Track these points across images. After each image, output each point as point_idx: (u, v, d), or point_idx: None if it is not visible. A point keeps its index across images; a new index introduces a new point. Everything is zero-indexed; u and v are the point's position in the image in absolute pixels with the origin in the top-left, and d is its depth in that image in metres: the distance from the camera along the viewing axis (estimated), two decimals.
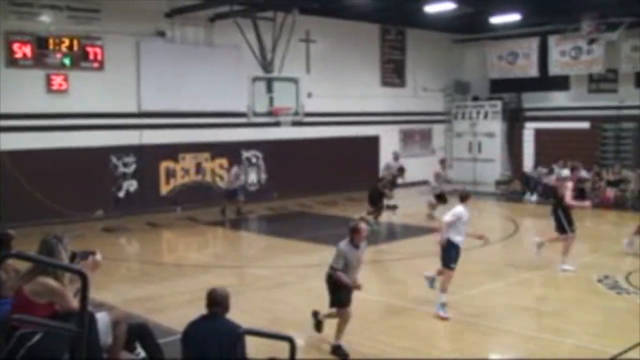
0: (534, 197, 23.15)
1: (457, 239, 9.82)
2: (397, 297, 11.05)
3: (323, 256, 10.15)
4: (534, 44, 26.75)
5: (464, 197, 10.10)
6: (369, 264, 13.01)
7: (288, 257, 14.31)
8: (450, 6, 20.58)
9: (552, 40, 26.04)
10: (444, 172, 19.78)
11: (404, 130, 27.17)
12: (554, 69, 26.24)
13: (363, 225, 8.32)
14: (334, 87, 23.80)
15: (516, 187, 25.21)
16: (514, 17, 23.32)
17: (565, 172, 15.35)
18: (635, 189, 21.28)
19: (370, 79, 25.95)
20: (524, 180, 24.80)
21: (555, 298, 10.95)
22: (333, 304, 8.30)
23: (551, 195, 14.50)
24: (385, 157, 23.72)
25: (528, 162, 26.42)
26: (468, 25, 26.37)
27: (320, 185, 18.63)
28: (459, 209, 9.88)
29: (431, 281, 10.20)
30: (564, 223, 12.58)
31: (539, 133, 27.07)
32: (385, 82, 26.54)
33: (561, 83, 26.73)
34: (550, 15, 23.72)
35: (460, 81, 29.01)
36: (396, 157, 20.59)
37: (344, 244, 8.22)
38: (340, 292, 8.19)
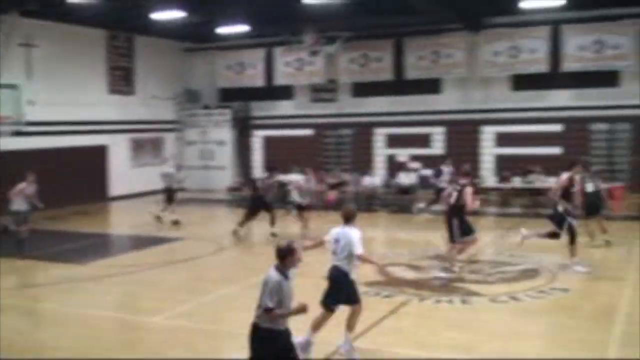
0: None
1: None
2: (127, 310, 10.80)
3: (53, 275, 9.55)
4: (260, 54, 27.83)
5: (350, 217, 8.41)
6: (96, 280, 12.59)
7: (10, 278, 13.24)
8: (178, 14, 20.61)
9: (277, 51, 27.29)
10: None
11: (135, 139, 26.60)
12: (280, 79, 27.52)
13: (297, 244, 6.62)
14: (59, 94, 22.57)
15: (246, 192, 25.91)
16: (242, 28, 24.03)
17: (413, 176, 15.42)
18: (352, 191, 23.00)
19: (98, 86, 25.04)
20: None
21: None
22: None
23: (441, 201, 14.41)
24: (116, 168, 23.03)
25: (257, 169, 27.35)
26: (197, 34, 26.66)
27: (45, 199, 17.51)
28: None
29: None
30: (455, 230, 12.43)
31: (267, 140, 28.21)
32: (114, 90, 25.77)
33: (286, 92, 28.12)
34: (275, 27, 24.82)
35: (190, 90, 29.18)
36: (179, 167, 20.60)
37: (275, 274, 6.35)
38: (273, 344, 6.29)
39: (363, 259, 8.24)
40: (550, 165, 20.70)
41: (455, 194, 12.62)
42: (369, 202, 22.35)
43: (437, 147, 25.58)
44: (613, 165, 23.14)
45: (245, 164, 28.40)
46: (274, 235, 16.48)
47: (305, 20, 23.27)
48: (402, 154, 26.01)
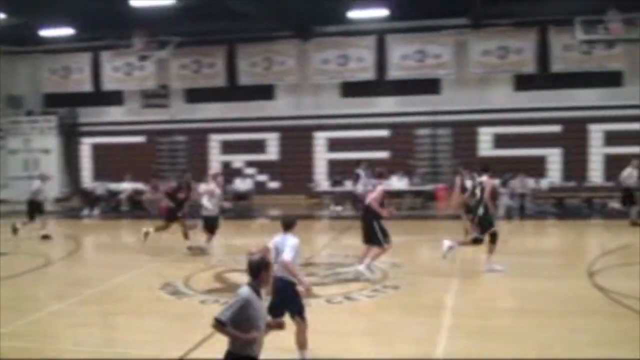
0: (96, 212, 23.17)
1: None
2: None
3: None
4: (87, 58, 26.76)
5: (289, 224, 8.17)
6: None
7: None
8: None
9: (105, 55, 26.35)
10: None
11: None
12: (108, 84, 26.62)
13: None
14: None
15: (76, 203, 24.85)
16: (66, 31, 22.96)
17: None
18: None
19: None
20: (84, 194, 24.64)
21: (118, 311, 10.98)
22: None
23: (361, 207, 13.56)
24: None
25: (87, 177, 26.25)
26: (19, 36, 25.09)
27: None
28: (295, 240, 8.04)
29: None
30: (379, 234, 12.09)
31: (97, 148, 27.14)
32: None
33: (116, 98, 27.23)
34: (103, 31, 23.95)
35: (12, 95, 27.41)
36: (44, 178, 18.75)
37: (247, 291, 5.70)
38: None
39: (287, 268, 7.79)
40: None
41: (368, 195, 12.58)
42: None
43: (272, 152, 25.89)
44: (436, 168, 24.57)
45: (74, 173, 27.15)
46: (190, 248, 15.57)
47: (135, 24, 22.69)
48: (238, 160, 26.04)
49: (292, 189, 25.25)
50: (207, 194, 15.14)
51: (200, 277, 12.87)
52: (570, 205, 21.30)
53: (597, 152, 23.57)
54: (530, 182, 21.53)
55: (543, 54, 23.86)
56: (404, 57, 24.59)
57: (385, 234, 12.09)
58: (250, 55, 25.72)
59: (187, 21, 22.42)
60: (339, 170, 24.27)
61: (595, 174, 23.27)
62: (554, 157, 23.82)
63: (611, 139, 23.45)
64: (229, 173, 25.43)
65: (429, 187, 23.43)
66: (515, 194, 20.95)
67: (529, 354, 8.08)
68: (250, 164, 25.85)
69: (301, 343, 7.87)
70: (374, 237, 12.09)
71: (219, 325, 5.55)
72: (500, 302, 10.96)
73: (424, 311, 10.41)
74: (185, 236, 15.64)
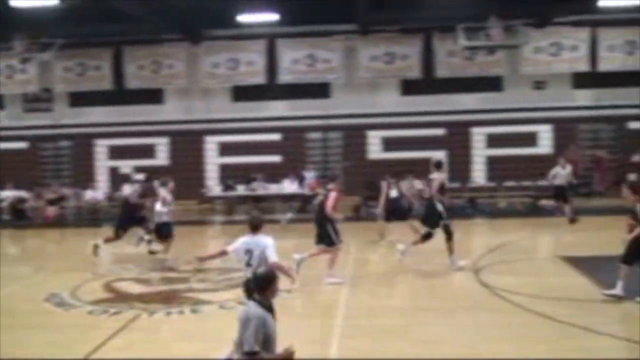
0: None
1: None
2: None
3: None
4: None
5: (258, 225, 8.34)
6: None
7: None
8: None
9: None
10: None
11: None
12: None
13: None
14: None
15: None
16: None
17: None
18: (74, 206, 21.93)
19: None
20: None
21: (1, 326, 10.49)
22: None
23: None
24: None
25: None
26: None
27: None
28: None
29: None
30: (332, 235, 12.05)
31: None
32: None
33: None
34: None
35: None
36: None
37: (256, 308, 5.36)
38: None
39: (278, 268, 7.68)
40: (272, 173, 21.69)
41: (320, 199, 12.51)
42: (92, 217, 21.46)
43: (162, 157, 25.42)
44: (328, 171, 24.83)
45: None
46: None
47: (15, 25, 21.68)
48: (126, 166, 25.38)
49: (183, 194, 24.75)
50: (161, 201, 14.37)
51: (88, 287, 12.45)
52: (456, 206, 22.05)
53: (479, 154, 24.60)
54: (418, 184, 22.13)
55: (428, 60, 24.66)
56: (295, 61, 24.76)
57: (338, 235, 12.15)
58: (138, 58, 25.15)
59: (71, 22, 21.62)
60: (231, 175, 24.13)
61: (479, 174, 24.29)
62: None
63: (492, 141, 24.55)
64: (117, 179, 24.80)
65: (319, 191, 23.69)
66: (404, 196, 21.47)
67: (419, 351, 8.31)
68: (139, 169, 25.24)
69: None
70: (327, 237, 12.08)
71: (255, 356, 5.08)
72: (391, 301, 11.20)
73: (317, 313, 10.52)
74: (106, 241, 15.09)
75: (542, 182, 22.10)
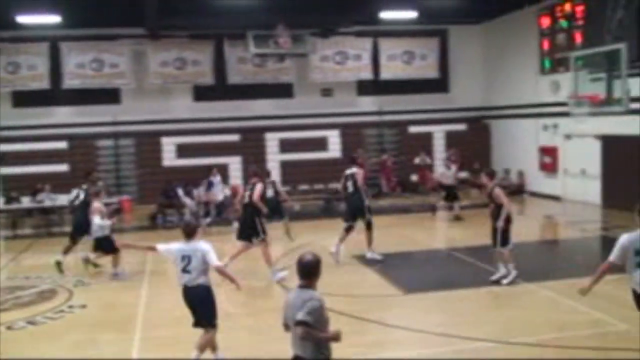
0: None
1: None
2: None
3: None
4: None
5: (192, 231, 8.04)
6: None
7: None
8: None
9: None
10: None
11: None
12: None
13: None
14: None
15: None
16: None
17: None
18: None
19: None
20: None
21: None
22: None
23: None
24: None
25: None
26: None
27: None
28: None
29: None
30: (259, 228, 12.53)
31: None
32: None
33: None
34: None
35: None
36: None
37: (311, 293, 5.45)
38: None
39: (221, 271, 8.06)
40: (60, 183, 20.53)
41: (248, 193, 12.76)
42: None
43: None
44: (120, 180, 24.10)
45: None
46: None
47: None
48: None
49: None
50: (99, 213, 13.13)
51: None
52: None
53: (273, 159, 25.11)
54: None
55: (220, 66, 24.77)
56: (80, 65, 23.67)
57: (264, 229, 12.67)
58: None
59: None
60: (14, 186, 22.47)
61: (274, 179, 24.72)
62: (235, 165, 24.85)
63: (286, 146, 25.21)
64: None
65: (113, 200, 22.84)
66: (200, 202, 21.40)
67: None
68: None
69: (208, 347, 8.10)
70: (255, 231, 12.58)
71: (306, 326, 5.24)
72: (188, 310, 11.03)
73: (115, 327, 10.14)
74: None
75: (333, 185, 23.19)
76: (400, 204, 22.97)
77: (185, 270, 7.86)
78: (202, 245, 7.91)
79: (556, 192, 21.84)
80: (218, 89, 24.99)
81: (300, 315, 5.27)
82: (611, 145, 19.69)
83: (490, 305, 10.45)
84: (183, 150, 24.56)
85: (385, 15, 22.50)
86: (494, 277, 11.53)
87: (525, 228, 16.38)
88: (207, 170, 21.17)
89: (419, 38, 26.28)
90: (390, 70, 26.13)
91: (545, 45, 22.90)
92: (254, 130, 25.21)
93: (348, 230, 14.01)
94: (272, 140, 25.34)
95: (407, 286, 11.73)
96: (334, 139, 25.83)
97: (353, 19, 23.27)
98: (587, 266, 13.20)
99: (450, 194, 19.46)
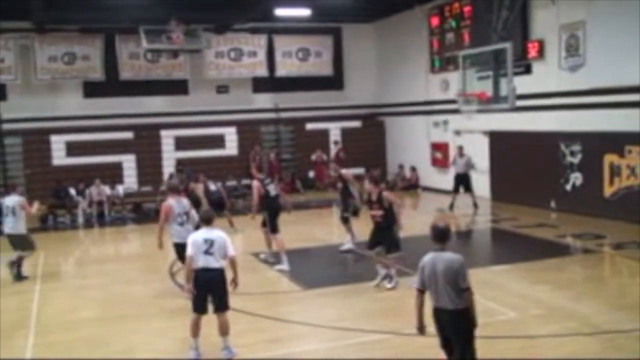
0: None
1: None
2: None
3: None
4: None
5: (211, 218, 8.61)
6: None
7: None
8: None
9: None
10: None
11: None
12: None
13: None
14: None
15: None
16: None
17: None
18: None
19: None
20: None
21: None
22: None
23: None
24: None
25: None
26: None
27: None
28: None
29: None
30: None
31: None
32: None
33: None
34: None
35: None
36: None
37: (452, 254, 6.46)
38: None
39: (234, 262, 8.41)
40: None
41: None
42: None
43: None
44: (7, 180, 23.05)
45: None
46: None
47: None
48: None
49: None
50: (20, 207, 12.72)
51: None
52: (148, 209, 21.91)
53: (169, 157, 24.69)
54: (107, 189, 21.59)
55: (111, 62, 24.12)
56: None
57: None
58: None
59: None
60: None
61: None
62: (129, 164, 24.27)
63: (182, 143, 24.84)
64: None
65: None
66: (93, 202, 20.81)
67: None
68: None
69: (227, 331, 8.22)
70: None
71: (470, 292, 6.25)
72: (83, 312, 10.72)
73: (6, 334, 9.70)
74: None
75: (230, 182, 23.10)
76: (298, 200, 23.13)
77: (207, 252, 8.09)
78: (223, 234, 8.36)
79: (448, 187, 22.60)
80: (109, 85, 24.33)
81: (464, 284, 6.23)
82: (498, 140, 20.62)
83: (388, 298, 10.72)
84: (74, 149, 23.73)
85: (280, 12, 22.58)
86: (375, 283, 11.22)
87: (419, 222, 16.84)
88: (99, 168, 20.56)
89: (313, 35, 26.55)
90: (286, 68, 26.27)
91: (435, 44, 23.67)
92: (148, 128, 24.71)
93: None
94: (167, 138, 24.89)
95: (306, 282, 11.85)
96: (230, 136, 25.68)
97: (247, 16, 23.21)
98: (478, 257, 13.93)
99: (462, 182, 19.71)
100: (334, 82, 27.29)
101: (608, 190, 16.80)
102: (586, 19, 17.05)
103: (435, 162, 24.12)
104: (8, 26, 22.46)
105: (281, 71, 26.17)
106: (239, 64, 25.57)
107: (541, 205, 18.70)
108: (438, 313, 6.37)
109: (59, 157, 23.68)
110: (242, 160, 24.72)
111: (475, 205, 19.24)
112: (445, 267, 6.26)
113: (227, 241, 8.26)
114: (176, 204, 11.08)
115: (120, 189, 22.91)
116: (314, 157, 25.83)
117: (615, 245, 14.00)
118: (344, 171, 14.54)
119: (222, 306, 8.18)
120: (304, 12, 22.80)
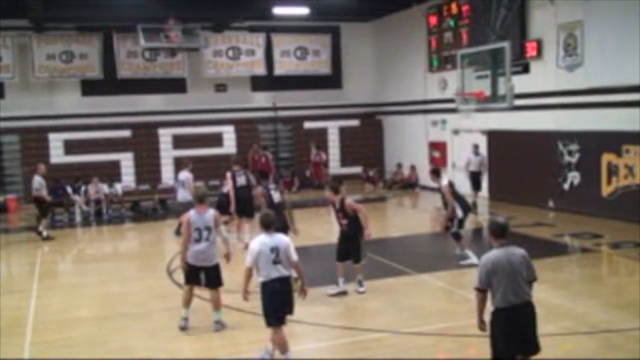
0: None
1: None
2: None
3: None
4: None
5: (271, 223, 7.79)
6: None
7: None
8: None
9: None
10: None
11: None
12: None
13: None
14: None
15: None
16: None
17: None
18: None
19: None
20: None
21: None
22: None
23: None
24: None
25: None
26: None
27: None
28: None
29: None
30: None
31: None
32: None
33: None
34: None
35: None
36: None
37: (519, 250, 6.42)
38: None
39: (299, 268, 8.04)
40: None
41: None
42: None
43: None
44: (5, 178, 23.07)
45: None
46: None
47: None
48: None
49: None
50: None
51: None
52: (146, 207, 21.90)
53: (167, 155, 24.67)
54: (104, 188, 21.57)
55: (109, 60, 24.10)
56: None
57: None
58: None
59: None
60: None
61: (167, 175, 24.30)
62: (127, 162, 24.25)
63: (179, 142, 24.81)
64: None
65: None
66: (91, 200, 20.80)
67: None
68: None
69: (285, 345, 7.75)
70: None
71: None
72: (81, 311, 10.71)
73: (4, 332, 9.70)
74: None
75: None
76: (296, 199, 23.12)
77: (276, 262, 7.58)
78: (285, 238, 7.81)
79: None
80: (107, 84, 24.29)
81: (534, 275, 6.37)
82: (496, 139, 20.63)
83: (385, 296, 10.73)
84: (71, 147, 23.70)
85: (278, 10, 22.57)
86: (333, 292, 10.93)
87: (418, 221, 16.90)
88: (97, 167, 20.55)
89: (312, 34, 26.53)
90: (284, 66, 26.25)
91: (433, 43, 23.66)
92: (146, 126, 24.69)
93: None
94: (165, 136, 24.86)
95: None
96: (228, 134, 25.65)
97: (245, 14, 23.19)
98: (476, 256, 13.91)
99: (476, 180, 19.66)
100: (332, 81, 27.28)
101: (606, 190, 16.85)
102: (584, 18, 17.07)
103: (433, 161, 24.13)
104: (6, 24, 22.42)
105: (279, 70, 26.16)
106: (237, 63, 25.56)
107: (539, 204, 18.74)
108: (519, 309, 6.15)
109: (57, 155, 23.63)
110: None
111: (474, 205, 19.26)
112: (520, 261, 6.23)
113: (289, 245, 7.73)
114: (197, 216, 9.17)
115: (118, 187, 22.86)
116: (312, 156, 25.80)
117: (613, 245, 14.03)
118: (348, 201, 11.48)
119: (289, 313, 7.85)
120: (303, 10, 22.80)
